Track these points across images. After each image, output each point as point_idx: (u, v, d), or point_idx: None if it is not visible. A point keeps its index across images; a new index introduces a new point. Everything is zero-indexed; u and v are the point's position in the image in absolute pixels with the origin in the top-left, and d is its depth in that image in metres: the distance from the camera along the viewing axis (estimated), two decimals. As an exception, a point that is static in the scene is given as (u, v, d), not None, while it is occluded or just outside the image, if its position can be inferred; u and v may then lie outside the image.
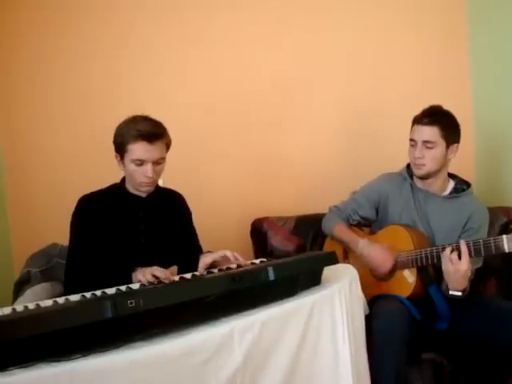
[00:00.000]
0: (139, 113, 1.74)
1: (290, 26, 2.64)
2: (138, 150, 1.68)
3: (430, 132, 1.98)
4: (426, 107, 2.04)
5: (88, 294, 1.39)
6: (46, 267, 1.93)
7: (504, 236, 1.75)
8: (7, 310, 1.27)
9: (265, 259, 1.78)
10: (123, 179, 1.83)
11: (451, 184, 2.10)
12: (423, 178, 2.05)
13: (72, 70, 2.42)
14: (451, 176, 2.12)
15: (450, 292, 1.87)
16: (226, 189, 2.60)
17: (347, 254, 2.22)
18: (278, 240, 2.47)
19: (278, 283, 1.41)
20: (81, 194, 1.79)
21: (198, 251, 1.88)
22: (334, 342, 1.50)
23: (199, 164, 2.56)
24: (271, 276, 1.39)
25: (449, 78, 2.76)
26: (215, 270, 1.61)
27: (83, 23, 2.41)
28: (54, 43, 2.40)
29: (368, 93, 2.72)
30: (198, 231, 1.98)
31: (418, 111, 2.05)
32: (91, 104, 2.45)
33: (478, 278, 2.03)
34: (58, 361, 1.05)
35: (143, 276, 1.51)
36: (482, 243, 1.79)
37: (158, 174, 1.76)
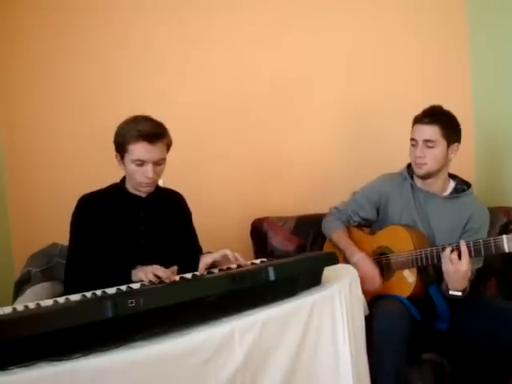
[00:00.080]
0: (139, 113, 1.74)
1: (290, 26, 2.64)
2: (139, 150, 1.68)
3: (431, 131, 1.99)
4: (427, 107, 2.04)
5: (88, 294, 1.39)
6: (47, 267, 1.93)
7: (504, 236, 1.75)
8: (8, 310, 1.27)
9: (265, 259, 1.78)
10: (123, 179, 1.83)
11: (452, 184, 2.10)
12: (424, 177, 2.05)
13: (72, 69, 2.42)
14: (452, 176, 2.12)
15: (450, 292, 1.88)
16: (226, 189, 2.60)
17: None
18: (278, 240, 2.47)
19: (278, 283, 1.41)
20: (81, 194, 1.79)
21: (197, 252, 1.88)
22: (334, 343, 1.50)
23: (199, 164, 2.56)
24: (271, 276, 1.39)
25: (449, 78, 2.76)
26: (215, 270, 1.61)
27: (83, 23, 2.41)
28: (54, 43, 2.40)
29: (368, 93, 2.72)
30: (198, 231, 1.98)
31: (418, 111, 2.05)
32: (91, 104, 2.45)
33: (478, 278, 2.03)
34: (59, 360, 1.05)
35: (144, 274, 1.51)
36: (481, 243, 1.79)
37: (158, 175, 1.75)
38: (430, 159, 2.00)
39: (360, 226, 2.25)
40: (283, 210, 2.58)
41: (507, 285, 2.36)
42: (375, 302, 1.94)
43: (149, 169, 1.69)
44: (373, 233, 2.22)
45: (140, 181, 1.73)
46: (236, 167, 2.62)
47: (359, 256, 2.05)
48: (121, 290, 1.39)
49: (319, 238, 2.40)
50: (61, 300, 1.33)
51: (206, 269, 1.65)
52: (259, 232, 2.50)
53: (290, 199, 2.68)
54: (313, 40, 2.67)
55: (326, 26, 2.68)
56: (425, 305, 1.96)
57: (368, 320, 1.74)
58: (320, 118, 2.71)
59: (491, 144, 2.71)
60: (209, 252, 1.80)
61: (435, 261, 1.90)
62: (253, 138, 2.63)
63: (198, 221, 1.98)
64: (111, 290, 1.40)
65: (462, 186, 2.10)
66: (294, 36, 2.65)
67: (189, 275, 1.56)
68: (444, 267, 1.84)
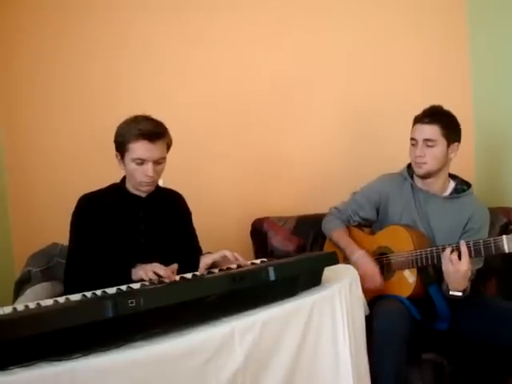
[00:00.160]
0: (139, 113, 1.74)
1: (290, 26, 2.64)
2: (139, 149, 1.68)
3: (431, 130, 1.99)
4: (427, 107, 2.04)
5: (89, 294, 1.39)
6: (47, 267, 1.93)
7: (504, 236, 1.75)
8: (8, 310, 1.27)
9: (265, 259, 1.78)
10: (123, 179, 1.83)
11: (452, 184, 2.10)
12: (424, 177, 2.05)
13: (72, 69, 2.42)
14: (452, 177, 2.12)
15: (451, 292, 1.88)
16: (226, 189, 2.60)
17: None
18: (278, 240, 2.47)
19: (278, 283, 1.41)
20: (81, 194, 1.79)
21: (197, 252, 1.88)
22: (334, 343, 1.50)
23: (199, 164, 2.56)
24: (272, 276, 1.39)
25: (449, 78, 2.76)
26: (216, 270, 1.61)
27: (83, 23, 2.41)
28: (54, 43, 2.40)
29: (368, 93, 2.72)
30: (198, 231, 1.98)
31: (418, 111, 2.05)
32: (91, 104, 2.45)
33: (478, 279, 2.03)
34: (59, 360, 1.05)
35: (144, 272, 1.51)
36: (481, 243, 1.79)
37: (158, 174, 1.76)
38: (430, 158, 2.00)
39: (360, 226, 2.25)
40: (283, 209, 2.58)
41: (507, 285, 2.36)
42: (375, 301, 1.94)
43: (149, 168, 1.70)
44: (373, 233, 2.22)
45: (140, 180, 1.73)
46: (236, 167, 2.62)
47: (359, 254, 2.05)
48: (121, 290, 1.39)
49: (319, 238, 2.40)
50: (61, 300, 1.33)
51: (206, 269, 1.65)
52: (259, 232, 2.50)
53: (290, 199, 2.68)
54: (313, 40, 2.67)
55: (326, 26, 2.68)
56: (425, 305, 1.96)
57: (368, 320, 1.74)
58: (320, 118, 2.71)
59: (491, 144, 2.71)
60: (209, 252, 1.80)
61: (435, 261, 1.90)
62: (253, 138, 2.63)
63: (197, 221, 1.98)
64: (111, 290, 1.40)
65: (462, 186, 2.10)
66: (293, 36, 2.65)
67: (189, 275, 1.56)
68: (444, 267, 1.84)
